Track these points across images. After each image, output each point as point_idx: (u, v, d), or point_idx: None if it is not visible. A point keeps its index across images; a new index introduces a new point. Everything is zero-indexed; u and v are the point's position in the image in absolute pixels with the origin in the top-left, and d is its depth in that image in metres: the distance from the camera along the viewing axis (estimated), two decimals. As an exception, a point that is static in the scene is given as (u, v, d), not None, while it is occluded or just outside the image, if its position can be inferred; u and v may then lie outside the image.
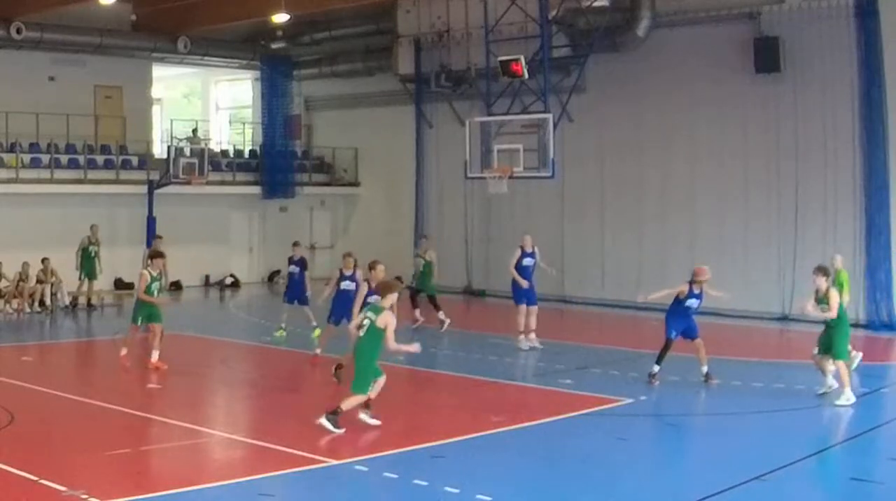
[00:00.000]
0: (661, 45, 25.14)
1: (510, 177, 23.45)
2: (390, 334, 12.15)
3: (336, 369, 15.22)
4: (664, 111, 25.67)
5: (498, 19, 24.53)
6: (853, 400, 14.34)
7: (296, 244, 21.07)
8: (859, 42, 22.27)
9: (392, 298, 12.44)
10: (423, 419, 13.91)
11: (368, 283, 14.73)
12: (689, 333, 15.82)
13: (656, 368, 15.77)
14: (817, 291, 14.77)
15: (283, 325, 20.22)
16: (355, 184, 33.60)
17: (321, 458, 11.17)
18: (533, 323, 19.15)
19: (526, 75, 23.61)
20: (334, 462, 11.09)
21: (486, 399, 14.89)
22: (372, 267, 14.87)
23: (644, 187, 26.32)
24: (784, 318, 23.06)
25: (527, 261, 19.14)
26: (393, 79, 29.89)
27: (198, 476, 10.74)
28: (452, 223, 29.81)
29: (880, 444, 13.06)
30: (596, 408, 13.98)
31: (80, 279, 24.94)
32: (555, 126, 23.09)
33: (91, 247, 24.83)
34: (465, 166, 24.58)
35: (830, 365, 14.84)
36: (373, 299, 13.86)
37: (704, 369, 15.92)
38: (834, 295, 14.68)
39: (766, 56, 23.50)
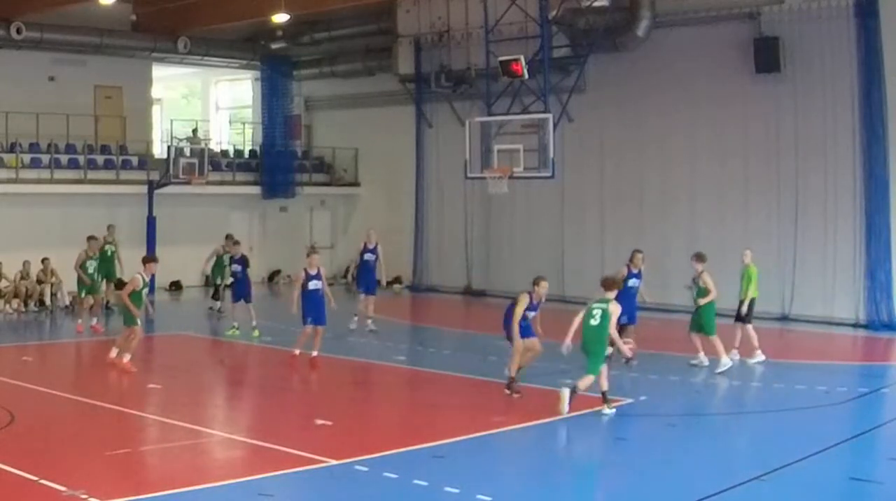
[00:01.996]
0: (661, 46, 25.12)
1: (510, 177, 23.45)
2: (614, 321, 13.78)
3: (510, 383, 14.71)
4: (664, 111, 25.65)
5: (498, 19, 24.52)
6: (729, 364, 16.65)
7: (236, 243, 21.91)
8: (859, 42, 22.26)
9: (615, 291, 14.16)
10: (423, 419, 13.92)
11: (530, 296, 14.59)
12: (630, 317, 16.92)
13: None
14: (694, 276, 17.20)
15: (235, 324, 20.90)
16: (355, 184, 33.58)
17: (321, 458, 11.17)
18: (371, 310, 21.14)
19: (526, 75, 23.60)
20: (334, 462, 11.09)
21: (486, 399, 14.88)
22: (537, 282, 14.79)
23: (644, 187, 26.31)
24: (784, 318, 23.05)
25: (367, 257, 21.31)
26: (393, 79, 29.89)
27: (198, 476, 10.74)
28: (452, 223, 29.81)
29: (880, 444, 13.07)
30: (596, 408, 13.98)
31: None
32: (555, 126, 23.08)
33: (108, 247, 24.79)
34: (465, 166, 24.58)
35: (701, 341, 17.04)
36: (532, 314, 14.62)
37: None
38: (707, 278, 16.98)
39: (766, 56, 23.50)
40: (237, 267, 21.10)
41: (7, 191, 25.63)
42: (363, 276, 21.54)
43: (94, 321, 21.51)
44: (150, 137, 31.09)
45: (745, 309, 17.76)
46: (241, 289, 21.03)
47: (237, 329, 20.75)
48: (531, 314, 14.63)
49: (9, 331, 21.80)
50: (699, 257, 17.45)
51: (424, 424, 13.53)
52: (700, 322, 17.01)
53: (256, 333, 20.37)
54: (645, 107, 25.99)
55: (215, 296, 24.74)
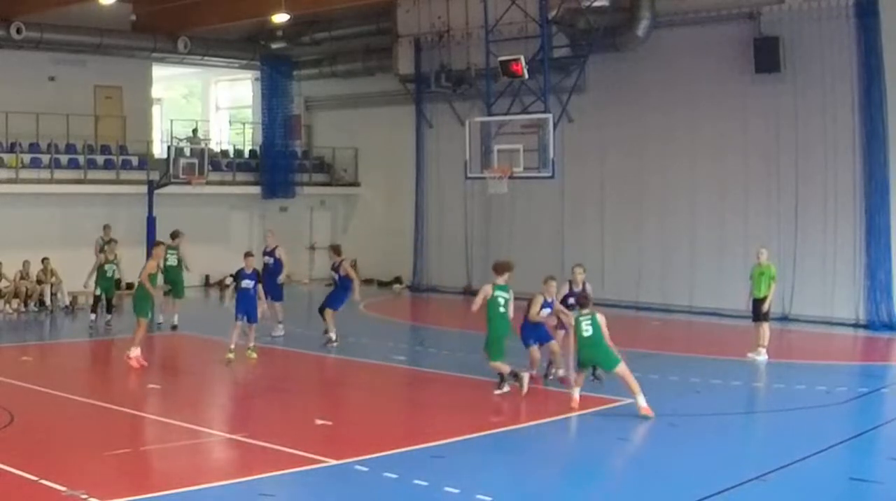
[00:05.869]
0: (661, 45, 25.12)
1: (510, 177, 23.44)
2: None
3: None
4: (664, 111, 25.65)
5: (498, 19, 24.50)
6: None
7: (249, 255, 18.54)
8: (859, 42, 22.26)
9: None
10: (423, 419, 13.92)
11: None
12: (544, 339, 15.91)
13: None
14: None
15: (232, 348, 17.80)
16: (355, 184, 33.59)
17: (321, 458, 11.17)
18: (279, 316, 20.55)
19: (526, 75, 23.59)
20: (334, 462, 11.09)
21: (486, 399, 14.88)
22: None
23: (644, 187, 26.32)
24: (784, 318, 23.04)
25: (266, 260, 20.76)
26: (393, 79, 29.88)
27: (198, 476, 10.74)
28: (452, 223, 29.80)
29: (880, 444, 13.07)
30: (596, 408, 13.98)
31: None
32: (555, 126, 23.08)
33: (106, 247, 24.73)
34: (465, 166, 24.58)
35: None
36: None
37: (560, 372, 15.88)
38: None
39: (766, 56, 23.50)
40: (249, 282, 18.03)
41: (7, 191, 25.63)
42: (265, 281, 19.02)
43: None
44: (150, 137, 31.07)
45: (765, 306, 18.17)
46: (249, 306, 18.03)
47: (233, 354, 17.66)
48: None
49: (9, 331, 21.79)
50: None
51: (424, 424, 13.53)
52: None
53: (254, 355, 17.97)
54: (645, 107, 25.99)
55: (108, 309, 22.23)
